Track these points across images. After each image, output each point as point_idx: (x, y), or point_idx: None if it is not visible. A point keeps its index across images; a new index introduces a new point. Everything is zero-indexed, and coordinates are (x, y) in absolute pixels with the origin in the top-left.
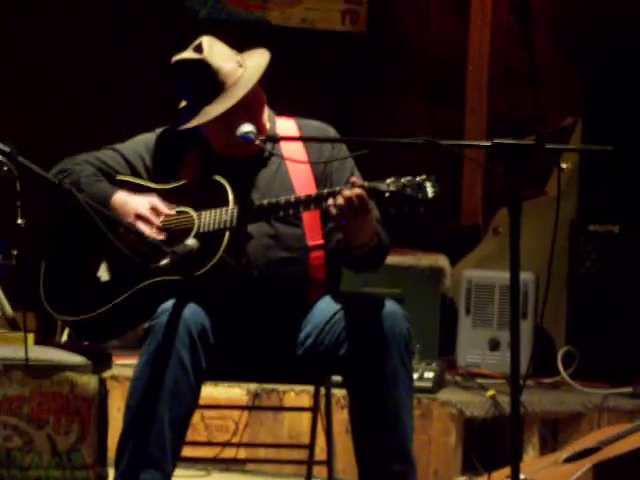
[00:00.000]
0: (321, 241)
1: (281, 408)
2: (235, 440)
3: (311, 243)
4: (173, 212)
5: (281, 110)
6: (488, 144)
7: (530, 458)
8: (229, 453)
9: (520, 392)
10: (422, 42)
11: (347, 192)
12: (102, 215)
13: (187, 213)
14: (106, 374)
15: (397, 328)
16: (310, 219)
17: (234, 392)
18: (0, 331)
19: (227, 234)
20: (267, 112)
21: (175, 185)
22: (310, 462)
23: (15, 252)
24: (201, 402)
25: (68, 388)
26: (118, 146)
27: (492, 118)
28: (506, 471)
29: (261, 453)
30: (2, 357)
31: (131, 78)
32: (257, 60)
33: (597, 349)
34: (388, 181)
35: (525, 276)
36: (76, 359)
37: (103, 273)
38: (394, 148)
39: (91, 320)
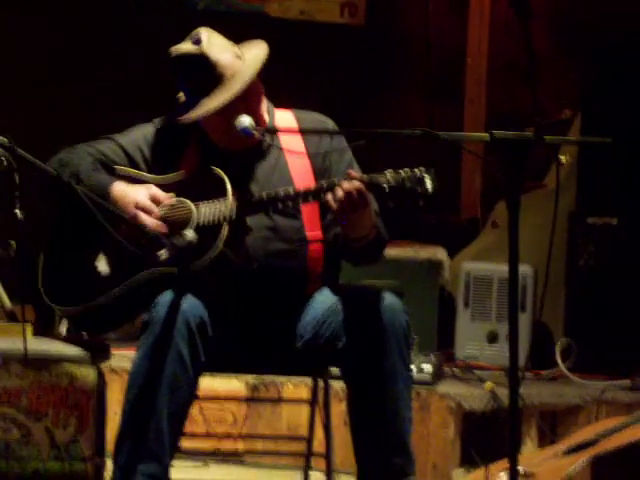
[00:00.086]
0: (320, 233)
1: (279, 400)
2: (233, 432)
3: (310, 235)
4: (173, 201)
5: (279, 102)
6: (486, 137)
7: (528, 451)
8: (227, 445)
9: (518, 385)
10: (421, 35)
11: (346, 185)
12: (101, 207)
13: (185, 205)
14: (104, 366)
15: (396, 321)
16: (309, 211)
17: (232, 384)
18: None
19: (226, 227)
20: (266, 104)
21: (174, 177)
22: (308, 454)
23: (13, 244)
24: (199, 394)
25: (67, 380)
26: (117, 137)
27: (491, 111)
28: (504, 463)
29: (259, 445)
30: (0, 349)
31: (131, 77)
32: (255, 52)
33: (595, 342)
34: (387, 174)
35: (523, 269)
36: (74, 351)
37: (101, 265)
38: (392, 140)
39: (89, 312)
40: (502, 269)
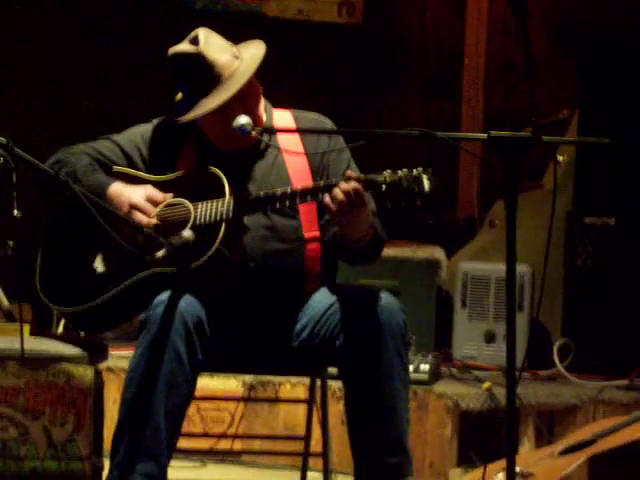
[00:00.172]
0: (317, 233)
1: (277, 400)
2: (231, 432)
3: (307, 235)
4: (170, 201)
5: (277, 102)
6: (484, 136)
7: (526, 450)
8: (225, 445)
9: (516, 384)
10: (419, 35)
11: (344, 185)
12: (98, 206)
13: (183, 204)
14: (102, 365)
15: (393, 320)
16: (307, 211)
17: (230, 384)
18: None
19: (223, 226)
20: (263, 104)
21: (171, 176)
22: (306, 454)
23: (11, 243)
24: (197, 394)
25: (64, 379)
26: (115, 136)
27: (488, 111)
28: (501, 463)
29: (257, 445)
30: None
31: (131, 77)
32: (253, 52)
33: (593, 341)
34: (385, 174)
35: (521, 268)
36: (72, 350)
37: (99, 264)
38: (390, 140)
39: (87, 311)
40: (500, 269)
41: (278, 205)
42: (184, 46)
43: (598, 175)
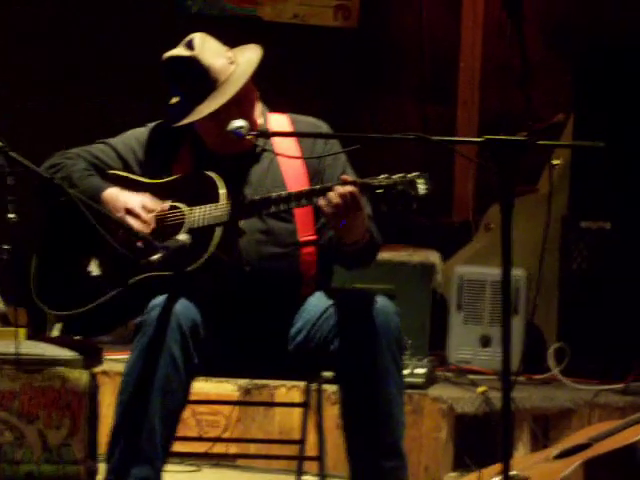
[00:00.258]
0: (313, 237)
1: (272, 404)
2: (226, 435)
3: (303, 239)
4: (166, 207)
5: (273, 106)
6: (479, 140)
7: (521, 454)
8: (220, 448)
9: (511, 388)
10: (414, 38)
11: (340, 189)
12: (93, 210)
13: (179, 208)
14: (97, 369)
15: (388, 324)
16: (302, 215)
17: (225, 387)
18: None
19: (219, 229)
20: (260, 108)
21: (167, 180)
22: (301, 458)
23: (6, 247)
24: (192, 397)
25: (59, 383)
26: (110, 140)
27: (484, 114)
28: (497, 467)
29: (252, 449)
30: None
31: (131, 77)
32: (249, 56)
33: (588, 345)
34: (380, 178)
35: (516, 272)
36: (67, 354)
37: (94, 268)
38: (385, 144)
39: (82, 315)
40: (495, 272)
41: (273, 209)
42: (179, 50)
43: (594, 179)
